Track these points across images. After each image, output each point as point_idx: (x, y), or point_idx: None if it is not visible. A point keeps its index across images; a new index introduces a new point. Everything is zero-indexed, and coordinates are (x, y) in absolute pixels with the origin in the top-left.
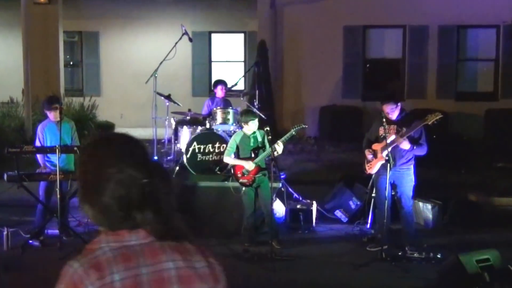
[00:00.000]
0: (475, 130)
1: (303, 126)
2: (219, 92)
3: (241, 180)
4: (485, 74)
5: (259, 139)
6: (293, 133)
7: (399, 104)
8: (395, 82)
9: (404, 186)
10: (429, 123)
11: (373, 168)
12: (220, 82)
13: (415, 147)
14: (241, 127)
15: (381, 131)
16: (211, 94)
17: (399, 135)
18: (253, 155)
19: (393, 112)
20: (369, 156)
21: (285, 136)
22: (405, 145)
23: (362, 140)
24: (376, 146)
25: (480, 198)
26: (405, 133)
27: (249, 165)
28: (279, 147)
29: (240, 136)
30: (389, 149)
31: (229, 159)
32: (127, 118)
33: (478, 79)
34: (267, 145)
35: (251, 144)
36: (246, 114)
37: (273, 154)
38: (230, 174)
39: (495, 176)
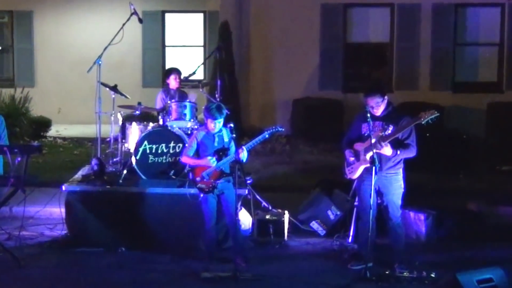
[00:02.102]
0: (476, 127)
1: (279, 129)
2: (172, 83)
3: (199, 185)
4: (488, 61)
5: (225, 139)
6: (266, 136)
7: (385, 97)
8: (381, 71)
9: (392, 193)
10: (423, 122)
11: (355, 172)
12: (173, 70)
13: (399, 152)
14: (202, 124)
15: (365, 128)
16: (165, 84)
17: (379, 138)
18: (216, 157)
19: (378, 106)
20: (350, 159)
21: (255, 140)
22: (387, 151)
23: (342, 138)
24: (358, 146)
25: (482, 208)
26: (386, 138)
27: (210, 162)
28: (243, 154)
29: (203, 134)
30: (374, 150)
31: (187, 159)
32: (66, 113)
33: (480, 67)
34: (233, 147)
35: (215, 144)
36: (211, 111)
37: (238, 156)
38: (187, 179)
39: (499, 181)
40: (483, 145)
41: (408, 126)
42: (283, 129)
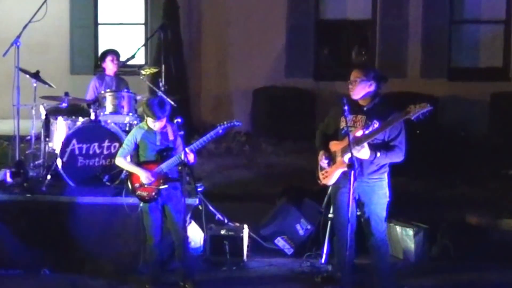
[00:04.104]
0: (477, 123)
1: (236, 124)
2: (109, 66)
3: (138, 193)
4: (491, 42)
5: (170, 137)
6: (220, 132)
7: (371, 81)
8: (362, 54)
9: (375, 203)
10: (412, 118)
11: (331, 177)
12: (110, 52)
13: (379, 154)
14: (142, 119)
15: (343, 122)
16: (98, 70)
17: (356, 140)
18: (160, 159)
19: (355, 84)
20: (324, 162)
21: (206, 137)
22: (364, 153)
23: (314, 136)
24: (335, 146)
25: (483, 220)
26: (363, 138)
27: (146, 177)
28: (190, 156)
29: (143, 131)
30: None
31: (122, 161)
32: None
33: (481, 50)
34: (180, 147)
35: (158, 143)
36: (151, 108)
37: (186, 157)
38: (124, 186)
39: (504, 188)
40: (485, 145)
41: (393, 123)
42: (240, 124)
